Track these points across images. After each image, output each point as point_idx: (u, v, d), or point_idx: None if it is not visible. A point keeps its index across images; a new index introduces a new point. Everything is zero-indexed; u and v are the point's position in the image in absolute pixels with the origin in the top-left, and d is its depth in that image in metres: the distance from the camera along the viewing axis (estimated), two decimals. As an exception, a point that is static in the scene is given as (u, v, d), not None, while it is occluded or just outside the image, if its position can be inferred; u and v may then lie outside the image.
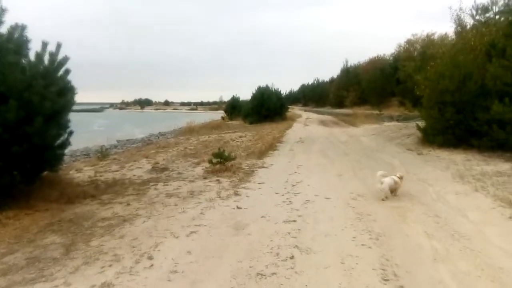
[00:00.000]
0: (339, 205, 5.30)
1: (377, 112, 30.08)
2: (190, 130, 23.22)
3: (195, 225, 4.60)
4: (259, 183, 7.09)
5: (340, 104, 57.72)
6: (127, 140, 20.14)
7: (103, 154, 11.62)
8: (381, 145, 12.01)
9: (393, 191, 5.77)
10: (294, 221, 4.61)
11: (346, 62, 64.01)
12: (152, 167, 9.37)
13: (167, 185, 7.31)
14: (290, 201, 5.59)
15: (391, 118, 23.61)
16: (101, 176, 8.61)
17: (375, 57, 60.59)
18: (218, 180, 7.56)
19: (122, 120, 71.17)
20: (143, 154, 12.23)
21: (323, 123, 26.11)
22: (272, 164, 9.17)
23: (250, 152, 11.37)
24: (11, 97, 5.16)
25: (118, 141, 19.69)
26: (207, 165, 8.80)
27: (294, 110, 55.78)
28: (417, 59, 40.83)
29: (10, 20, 5.73)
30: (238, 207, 5.39)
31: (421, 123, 11.96)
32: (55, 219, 5.16)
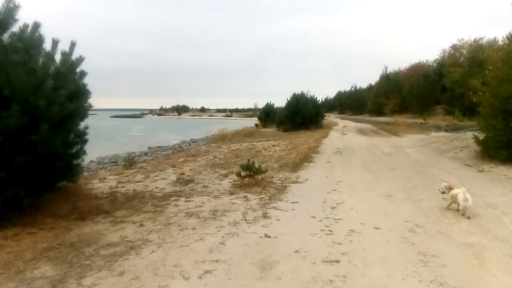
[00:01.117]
0: (393, 239, 4.22)
1: (421, 121, 28.06)
2: (222, 138, 22.65)
3: (212, 260, 3.71)
4: (292, 203, 6.13)
5: (379, 112, 55.38)
6: (158, 147, 19.87)
7: (129, 162, 11.15)
8: (432, 159, 10.62)
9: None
10: (337, 261, 3.60)
11: (386, 68, 61.70)
12: (177, 179, 8.67)
13: (189, 200, 6.53)
14: (330, 230, 4.58)
15: (438, 128, 21.74)
16: (122, 187, 8.02)
17: (417, 64, 57.89)
18: (245, 196, 6.68)
19: (159, 126, 72.80)
20: (170, 163, 11.64)
21: (361, 132, 24.63)
22: (307, 179, 8.16)
23: (283, 163, 10.41)
24: (15, 101, 4.59)
25: (149, 148, 19.44)
26: (236, 177, 7.96)
27: (330, 117, 54.12)
28: (465, 64, 38.28)
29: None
30: (266, 235, 4.46)
31: (479, 134, 10.45)
32: (56, 242, 4.49)
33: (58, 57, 5.50)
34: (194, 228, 4.83)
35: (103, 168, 12.13)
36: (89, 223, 5.37)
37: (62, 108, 5.00)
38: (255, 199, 6.51)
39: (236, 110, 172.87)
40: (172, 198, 6.73)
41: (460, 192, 5.12)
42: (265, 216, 5.32)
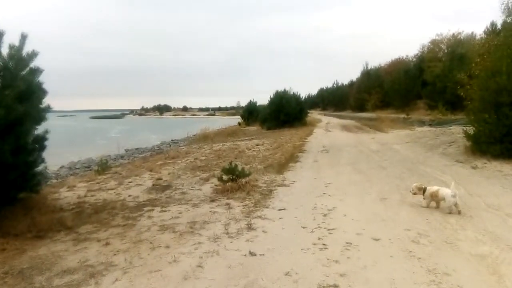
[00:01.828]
0: (396, 254, 3.69)
1: (404, 116, 28.03)
2: (204, 137, 21.93)
3: (187, 290, 3.10)
4: (279, 210, 5.55)
5: (361, 107, 55.56)
6: (136, 149, 18.96)
7: (102, 167, 10.35)
8: (422, 156, 10.26)
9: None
10: (336, 286, 3.04)
11: (367, 64, 61.95)
12: (153, 185, 7.97)
13: (165, 210, 5.87)
14: (324, 244, 4.02)
15: (421, 123, 21.64)
16: (92, 196, 7.27)
17: (397, 59, 58.35)
18: (228, 204, 6.06)
19: (140, 126, 71.30)
20: (148, 166, 10.89)
21: (346, 128, 24.34)
22: (294, 181, 7.61)
23: (268, 164, 9.85)
24: None
25: (126, 150, 18.53)
26: (217, 182, 7.34)
27: (313, 114, 53.99)
28: (445, 59, 38.63)
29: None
30: (251, 253, 3.86)
31: (468, 129, 10.13)
32: (2, 269, 3.77)
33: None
34: (167, 246, 4.18)
35: (74, 174, 11.27)
36: (48, 242, 4.67)
37: (9, 111, 4.26)
38: (238, 206, 5.91)
39: (219, 109, 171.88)
40: (146, 208, 6.06)
41: (440, 189, 5.09)
42: (249, 227, 4.72)
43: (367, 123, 27.33)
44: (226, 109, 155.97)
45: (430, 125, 19.95)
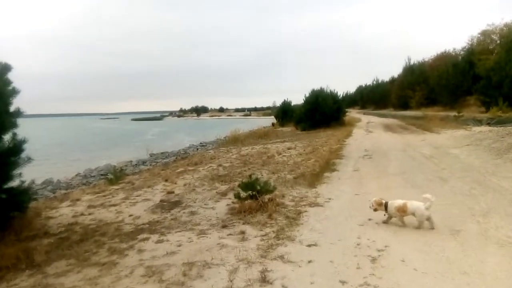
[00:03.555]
0: None
1: (454, 113, 25.17)
2: (234, 140, 20.76)
3: None
4: (308, 246, 4.10)
5: (404, 105, 52.24)
6: (161, 153, 18.09)
7: (116, 176, 9.37)
8: (490, 164, 8.31)
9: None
10: None
11: (409, 59, 58.17)
12: (161, 201, 6.78)
13: (163, 240, 4.61)
14: (375, 323, 2.53)
15: (477, 122, 19.03)
16: (89, 214, 6.22)
17: (443, 53, 54.26)
18: (243, 232, 4.69)
19: (176, 128, 72.10)
20: (165, 175, 9.80)
21: (389, 128, 22.16)
22: (330, 199, 6.09)
23: (299, 174, 8.37)
24: None
25: (151, 155, 17.73)
26: (235, 198, 5.99)
27: (352, 113, 51.54)
28: (500, 50, 34.90)
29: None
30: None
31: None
32: None
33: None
34: (141, 313, 2.88)
35: (87, 183, 10.44)
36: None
37: None
38: (255, 237, 4.52)
39: (255, 109, 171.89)
40: (141, 236, 4.84)
41: (408, 202, 4.58)
42: (264, 279, 3.31)
43: (413, 122, 24.89)
44: (262, 109, 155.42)
45: (488, 124, 17.39)
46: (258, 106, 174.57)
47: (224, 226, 5.04)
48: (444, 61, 47.95)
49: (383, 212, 4.75)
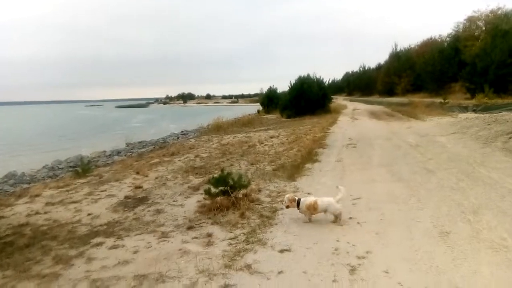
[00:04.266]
0: None
1: (440, 100, 25.00)
2: (217, 128, 20.13)
3: None
4: (280, 251, 3.61)
5: (390, 92, 52.26)
6: (139, 142, 17.33)
7: (83, 169, 8.71)
8: (478, 153, 7.95)
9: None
10: None
11: (395, 46, 58.05)
12: (126, 197, 6.20)
13: (117, 246, 4.08)
14: None
15: (463, 109, 18.83)
16: (45, 213, 5.63)
17: (429, 39, 54.09)
18: (209, 235, 4.18)
19: (162, 115, 70.73)
20: (137, 167, 9.20)
21: (375, 115, 21.83)
22: (309, 194, 5.60)
23: (279, 165, 7.87)
24: None
25: (127, 144, 16.96)
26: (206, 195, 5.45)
27: (338, 100, 51.29)
28: (485, 36, 34.82)
29: None
30: None
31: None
32: None
33: None
34: None
35: (54, 176, 9.73)
36: None
37: None
38: (223, 240, 4.02)
39: (242, 96, 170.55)
40: (95, 240, 4.28)
41: (319, 199, 4.37)
42: (225, 296, 2.82)
43: (399, 108, 24.64)
44: (249, 96, 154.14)
45: (474, 111, 17.17)
46: (246, 93, 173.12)
47: (190, 228, 4.51)
48: (430, 47, 47.78)
49: (298, 210, 4.51)
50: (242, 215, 4.76)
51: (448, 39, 47.12)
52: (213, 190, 5.29)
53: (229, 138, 14.30)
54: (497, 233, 3.70)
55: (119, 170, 8.99)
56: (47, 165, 11.56)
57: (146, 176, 7.87)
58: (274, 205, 5.17)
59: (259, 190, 5.96)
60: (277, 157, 8.87)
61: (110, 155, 13.62)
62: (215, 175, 5.43)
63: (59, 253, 3.96)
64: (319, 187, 5.99)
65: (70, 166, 11.08)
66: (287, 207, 4.56)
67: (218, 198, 5.27)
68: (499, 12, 39.87)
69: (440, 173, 6.37)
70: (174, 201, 5.79)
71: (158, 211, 5.31)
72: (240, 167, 8.13)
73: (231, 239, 4.05)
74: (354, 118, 19.98)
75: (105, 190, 6.81)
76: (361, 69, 74.84)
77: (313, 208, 4.33)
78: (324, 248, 3.61)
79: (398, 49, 57.72)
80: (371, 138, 11.13)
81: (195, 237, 4.18)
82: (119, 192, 6.62)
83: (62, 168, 11.07)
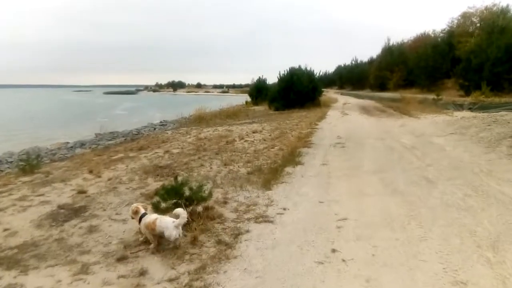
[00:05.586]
0: None
1: (433, 97, 24.20)
2: (199, 119, 18.92)
3: None
4: (232, 309, 2.54)
5: (381, 86, 51.61)
6: (110, 133, 16.01)
7: (30, 165, 7.50)
8: (482, 159, 6.98)
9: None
10: None
11: (388, 40, 57.22)
12: (59, 206, 5.03)
13: (14, 286, 2.95)
14: None
15: (458, 106, 17.99)
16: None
17: (422, 34, 53.30)
18: (142, 274, 3.09)
19: (150, 103, 69.00)
20: (94, 163, 8.02)
21: (365, 110, 20.86)
22: (285, 209, 4.54)
23: (256, 167, 6.79)
24: None
25: (96, 134, 15.65)
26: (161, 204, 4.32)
27: (329, 93, 50.37)
28: (481, 32, 34.05)
29: None
30: None
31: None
32: None
33: None
34: None
35: (-1, 171, 8.50)
36: None
37: None
38: (158, 283, 2.93)
39: (233, 86, 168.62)
40: (-13, 276, 3.14)
41: (159, 218, 3.60)
42: None
43: (390, 104, 23.70)
44: (240, 86, 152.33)
45: (470, 109, 16.34)
46: (237, 83, 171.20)
47: (121, 259, 3.41)
48: (424, 42, 47.02)
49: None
50: (194, 241, 3.67)
51: (442, 34, 46.45)
52: (164, 204, 4.19)
53: (208, 131, 13.14)
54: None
55: (72, 167, 7.80)
56: (-5, 158, 10.27)
57: (99, 176, 6.70)
58: (238, 225, 4.09)
59: (225, 202, 4.87)
60: (255, 157, 7.77)
61: (72, 147, 12.33)
62: (166, 184, 4.32)
63: None
64: (298, 199, 4.92)
65: (21, 160, 9.80)
66: (132, 218, 3.86)
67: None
68: (495, 8, 39.23)
69: (442, 185, 5.35)
70: (117, 214, 4.67)
71: (92, 229, 4.19)
72: (211, 168, 7.02)
73: (169, 280, 2.97)
74: (344, 113, 18.96)
75: (43, 194, 5.63)
76: (353, 62, 73.99)
77: (151, 228, 3.59)
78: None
79: (391, 43, 56.95)
80: (362, 137, 10.10)
81: (122, 276, 3.08)
82: (57, 197, 5.46)
83: (12, 162, 9.79)
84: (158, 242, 3.61)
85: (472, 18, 42.47)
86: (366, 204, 4.60)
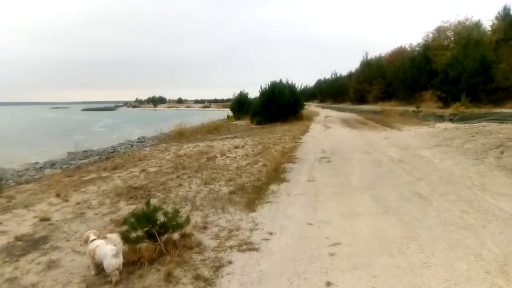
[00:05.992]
0: None
1: (413, 109, 24.44)
2: (179, 134, 18.38)
3: None
4: None
5: (361, 99, 52.25)
6: (83, 151, 15.25)
7: (-10, 188, 6.83)
8: (472, 171, 6.77)
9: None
10: None
11: (366, 54, 58.23)
12: (16, 237, 4.44)
13: None
14: None
15: (439, 118, 18.10)
16: None
17: (399, 48, 54.68)
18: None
19: (130, 119, 67.74)
20: (63, 185, 7.40)
21: (347, 123, 20.80)
22: (271, 234, 4.11)
23: (238, 185, 6.35)
24: None
25: (69, 153, 14.88)
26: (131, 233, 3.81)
27: (310, 107, 50.74)
28: (456, 46, 35.05)
29: None
30: None
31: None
32: None
33: None
34: None
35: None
36: None
37: None
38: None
39: (215, 101, 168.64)
40: None
41: (100, 246, 3.35)
42: None
43: (372, 116, 23.83)
44: (222, 101, 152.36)
45: (451, 120, 16.44)
46: (219, 97, 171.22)
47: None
48: (401, 56, 48.06)
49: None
50: (168, 277, 3.19)
51: (418, 48, 47.68)
52: (134, 233, 3.69)
53: (189, 147, 12.65)
54: None
55: (38, 191, 7.15)
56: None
57: (66, 200, 6.12)
58: (220, 255, 3.63)
59: (205, 227, 4.40)
60: (237, 174, 7.34)
61: (41, 168, 11.58)
62: (136, 211, 3.83)
63: None
64: (285, 222, 4.50)
65: (-17, 183, 9.05)
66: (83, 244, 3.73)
67: (140, 246, 3.68)
68: (468, 23, 40.63)
69: (437, 201, 5.05)
70: (81, 245, 4.13)
71: (51, 265, 3.64)
72: (190, 187, 6.54)
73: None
74: (327, 126, 18.80)
75: (1, 223, 5.03)
76: (333, 76, 74.96)
77: (91, 257, 3.42)
78: None
79: (369, 57, 58.07)
80: (347, 151, 9.82)
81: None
82: (16, 226, 4.86)
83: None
84: (98, 271, 3.38)
85: (447, 32, 43.93)
86: (358, 225, 4.23)
